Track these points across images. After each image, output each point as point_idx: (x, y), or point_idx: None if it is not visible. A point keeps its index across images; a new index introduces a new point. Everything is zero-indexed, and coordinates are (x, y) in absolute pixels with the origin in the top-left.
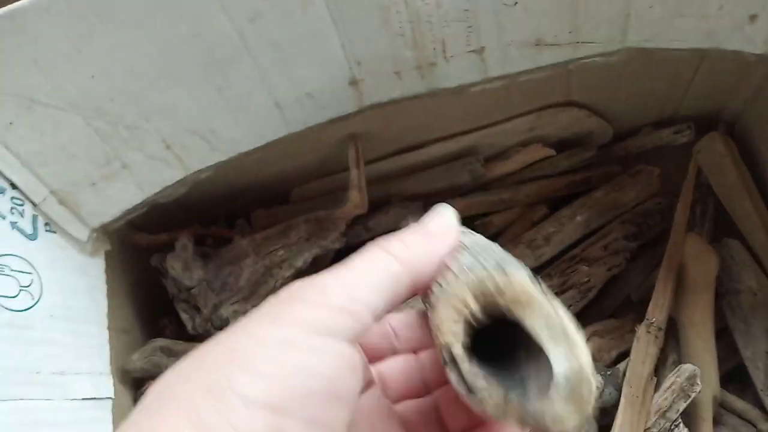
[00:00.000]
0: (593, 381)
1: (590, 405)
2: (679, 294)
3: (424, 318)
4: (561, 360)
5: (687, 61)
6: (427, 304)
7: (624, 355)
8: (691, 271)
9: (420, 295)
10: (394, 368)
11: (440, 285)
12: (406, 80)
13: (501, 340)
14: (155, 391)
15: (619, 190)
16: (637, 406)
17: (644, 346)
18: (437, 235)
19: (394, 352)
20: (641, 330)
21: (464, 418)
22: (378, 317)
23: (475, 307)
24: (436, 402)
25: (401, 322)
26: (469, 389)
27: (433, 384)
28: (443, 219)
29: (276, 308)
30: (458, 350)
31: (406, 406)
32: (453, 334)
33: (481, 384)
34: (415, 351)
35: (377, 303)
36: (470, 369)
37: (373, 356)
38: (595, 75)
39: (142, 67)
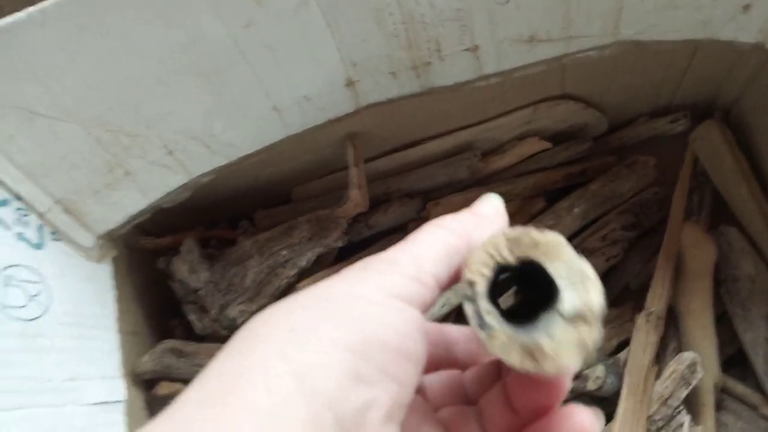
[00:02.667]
0: (598, 325)
1: (591, 344)
2: (677, 282)
3: None
4: (572, 296)
5: (681, 51)
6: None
7: (624, 344)
8: (689, 260)
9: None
10: (439, 379)
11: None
12: (402, 80)
13: (520, 314)
14: (240, 335)
15: (616, 181)
16: (639, 395)
17: (644, 335)
18: (488, 215)
19: (446, 364)
20: (640, 319)
21: (507, 420)
22: (441, 287)
23: (507, 253)
24: (479, 408)
25: (462, 333)
26: (482, 325)
27: (476, 398)
28: (492, 203)
29: (352, 274)
30: (481, 288)
31: (446, 411)
32: (480, 274)
33: (492, 322)
34: (464, 368)
35: (441, 274)
36: (486, 307)
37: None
38: (590, 68)
39: (138, 75)
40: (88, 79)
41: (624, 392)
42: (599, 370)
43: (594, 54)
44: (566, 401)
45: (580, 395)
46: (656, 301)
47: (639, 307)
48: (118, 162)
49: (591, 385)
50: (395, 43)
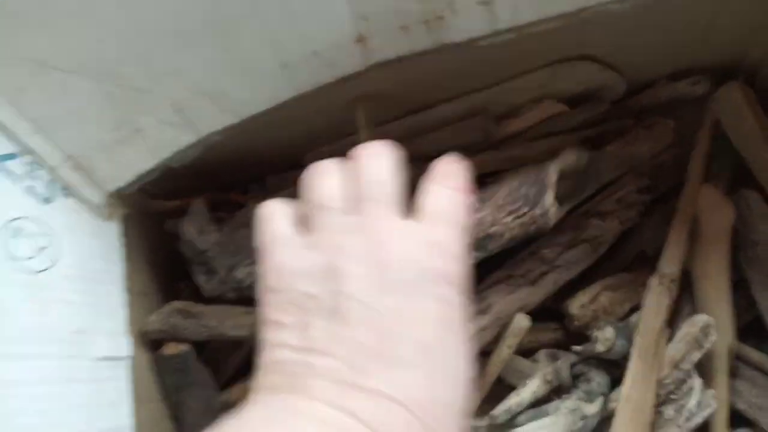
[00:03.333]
0: None
1: None
2: (693, 246)
3: None
4: None
5: (705, 7)
6: None
7: (637, 309)
8: (706, 223)
9: None
10: None
11: None
12: (413, 35)
13: None
14: None
15: (633, 143)
16: (649, 358)
17: (656, 297)
18: None
19: None
20: (653, 281)
21: None
22: None
23: None
24: None
25: None
26: None
27: None
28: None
29: None
30: None
31: None
32: None
33: None
34: None
35: None
36: None
37: None
38: (609, 25)
39: (149, 27)
40: (101, 30)
41: (634, 354)
42: (608, 332)
43: (615, 7)
44: (575, 364)
45: (589, 358)
46: (670, 263)
47: (654, 272)
48: (128, 118)
49: (600, 347)
50: None
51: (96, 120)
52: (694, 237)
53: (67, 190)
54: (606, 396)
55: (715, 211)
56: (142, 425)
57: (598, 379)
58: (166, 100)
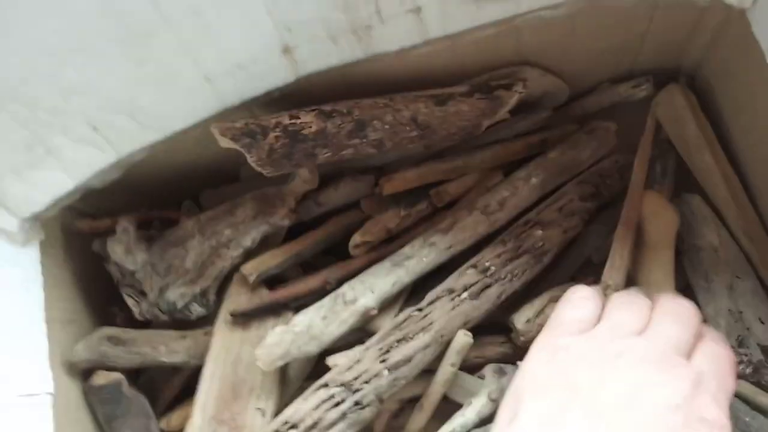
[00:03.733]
0: None
1: None
2: (638, 253)
3: None
4: None
5: (639, 11)
6: None
7: None
8: (650, 230)
9: None
10: None
11: None
12: (343, 45)
13: None
14: None
15: (575, 148)
16: None
17: None
18: None
19: None
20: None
21: None
22: None
23: None
24: None
25: None
26: None
27: None
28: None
29: None
30: None
31: None
32: None
33: None
34: None
35: None
36: None
37: None
38: (546, 31)
39: (52, 43)
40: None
41: None
42: None
43: (547, 14)
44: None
45: None
46: (614, 273)
47: (600, 281)
48: (38, 139)
49: None
50: (331, 4)
51: (2, 142)
52: (638, 244)
53: None
54: None
55: (660, 218)
56: None
57: None
58: (79, 118)
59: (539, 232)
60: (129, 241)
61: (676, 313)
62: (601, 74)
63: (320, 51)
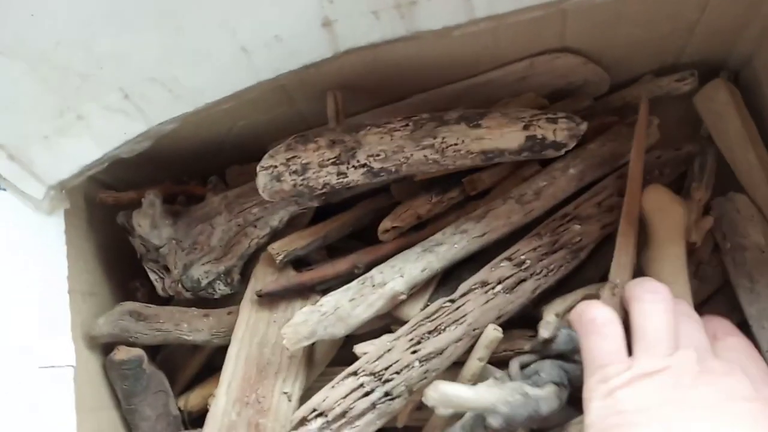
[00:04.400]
0: None
1: None
2: (647, 251)
3: None
4: None
5: None
6: None
7: None
8: (657, 226)
9: None
10: None
11: None
12: (385, 21)
13: None
14: None
15: (615, 140)
16: None
17: None
18: None
19: None
20: (605, 292)
21: None
22: None
23: None
24: None
25: None
26: None
27: None
28: None
29: None
30: None
31: None
32: None
33: None
34: None
35: None
36: None
37: None
38: (592, 16)
39: (86, 10)
40: (32, 7)
41: None
42: (550, 317)
43: None
44: (527, 364)
45: (544, 357)
46: (620, 271)
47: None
48: (69, 105)
49: (543, 333)
50: None
51: (32, 106)
52: (646, 241)
53: (2, 183)
54: (558, 384)
55: (665, 212)
56: None
57: (549, 370)
58: (112, 85)
59: (577, 227)
60: (155, 214)
61: (690, 315)
62: (645, 65)
63: (361, 26)
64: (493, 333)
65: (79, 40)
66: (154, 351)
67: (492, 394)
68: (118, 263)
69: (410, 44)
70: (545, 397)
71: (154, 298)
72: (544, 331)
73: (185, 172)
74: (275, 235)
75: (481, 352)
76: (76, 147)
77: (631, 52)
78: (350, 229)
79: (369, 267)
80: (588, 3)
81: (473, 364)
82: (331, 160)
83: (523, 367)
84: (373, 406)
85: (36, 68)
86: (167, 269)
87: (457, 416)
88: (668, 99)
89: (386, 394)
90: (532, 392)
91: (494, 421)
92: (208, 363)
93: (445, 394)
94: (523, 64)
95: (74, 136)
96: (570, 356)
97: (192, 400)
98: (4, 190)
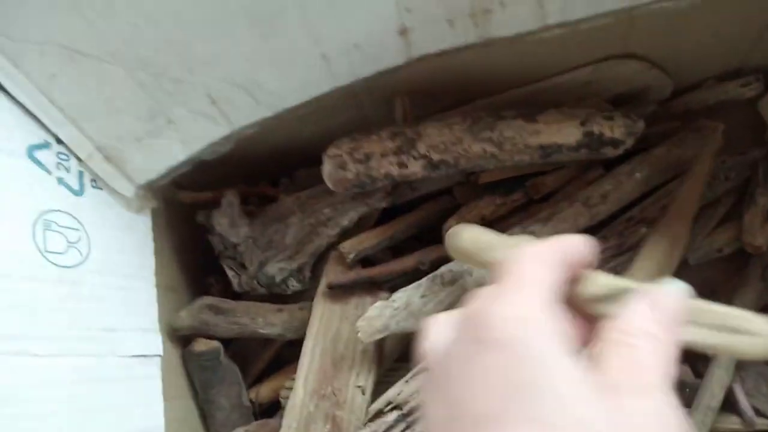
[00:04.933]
0: None
1: None
2: None
3: None
4: None
5: (762, 2)
6: None
7: None
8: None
9: None
10: None
11: None
12: (459, 29)
13: None
14: None
15: (680, 146)
16: None
17: None
18: None
19: None
20: None
21: None
22: None
23: None
24: None
25: None
26: None
27: None
28: None
29: None
30: None
31: None
32: None
33: None
34: None
35: None
36: None
37: None
38: (659, 22)
39: (188, 14)
40: (136, 16)
41: None
42: None
43: (670, 4)
44: None
45: None
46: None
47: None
48: (161, 109)
49: None
50: None
51: (128, 110)
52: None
53: (98, 182)
54: None
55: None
56: (170, 423)
57: None
58: (200, 91)
59: (643, 230)
60: (233, 214)
61: None
62: (708, 70)
63: (435, 33)
64: None
65: (177, 46)
66: (224, 344)
67: None
68: (193, 260)
69: (480, 51)
70: None
71: (226, 293)
72: None
73: (254, 174)
74: (344, 234)
75: None
76: (164, 149)
77: (695, 57)
78: (415, 229)
79: (433, 264)
80: (659, 9)
81: None
82: (392, 150)
83: None
84: None
85: (134, 74)
86: (243, 266)
87: None
88: (732, 104)
89: None
90: None
91: None
92: (276, 357)
93: None
94: (587, 70)
95: (164, 138)
96: None
97: (263, 392)
98: (100, 188)
